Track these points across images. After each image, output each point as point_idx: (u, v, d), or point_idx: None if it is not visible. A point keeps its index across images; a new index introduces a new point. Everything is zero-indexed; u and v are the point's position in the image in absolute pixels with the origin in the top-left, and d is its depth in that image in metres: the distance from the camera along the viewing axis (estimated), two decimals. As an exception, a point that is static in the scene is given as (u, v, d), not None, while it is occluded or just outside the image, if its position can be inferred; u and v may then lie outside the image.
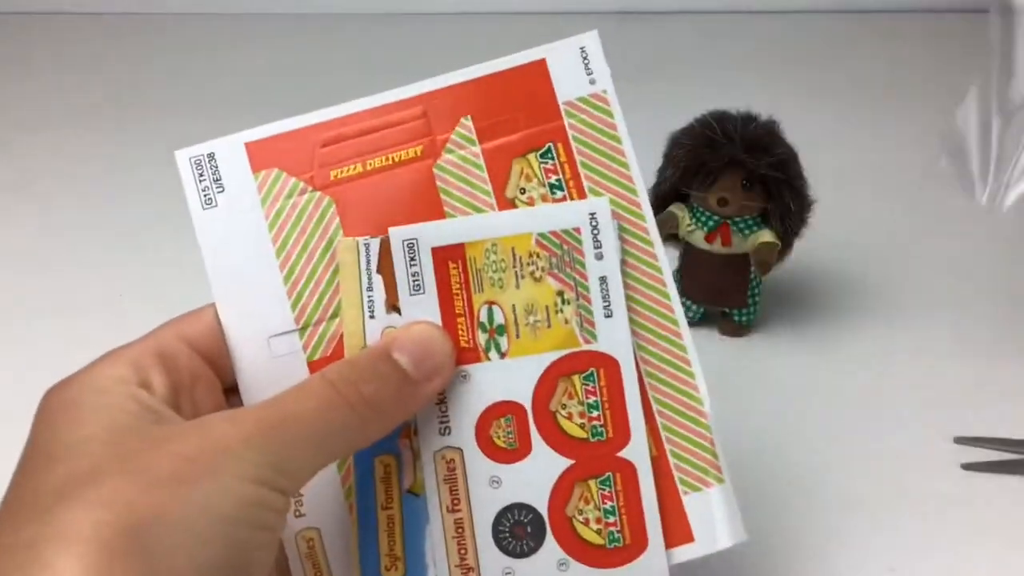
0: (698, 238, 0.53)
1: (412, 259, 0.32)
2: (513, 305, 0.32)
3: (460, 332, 0.32)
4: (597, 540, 0.31)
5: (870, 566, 0.40)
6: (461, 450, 0.32)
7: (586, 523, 0.31)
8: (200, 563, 0.25)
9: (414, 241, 0.32)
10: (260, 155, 0.33)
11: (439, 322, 0.32)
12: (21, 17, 1.11)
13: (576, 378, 0.32)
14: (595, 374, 0.32)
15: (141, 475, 0.25)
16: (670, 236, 0.54)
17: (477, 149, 0.33)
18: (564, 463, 0.31)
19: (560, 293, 0.32)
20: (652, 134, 0.54)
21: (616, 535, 0.31)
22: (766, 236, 0.51)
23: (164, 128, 0.84)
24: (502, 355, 0.32)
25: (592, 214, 0.32)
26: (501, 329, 0.32)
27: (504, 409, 0.32)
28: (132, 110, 0.88)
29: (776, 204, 0.51)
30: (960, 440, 0.46)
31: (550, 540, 0.31)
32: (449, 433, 0.32)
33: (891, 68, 0.94)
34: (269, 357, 0.32)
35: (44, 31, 1.09)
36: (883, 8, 1.06)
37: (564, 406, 0.31)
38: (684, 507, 0.32)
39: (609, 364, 0.32)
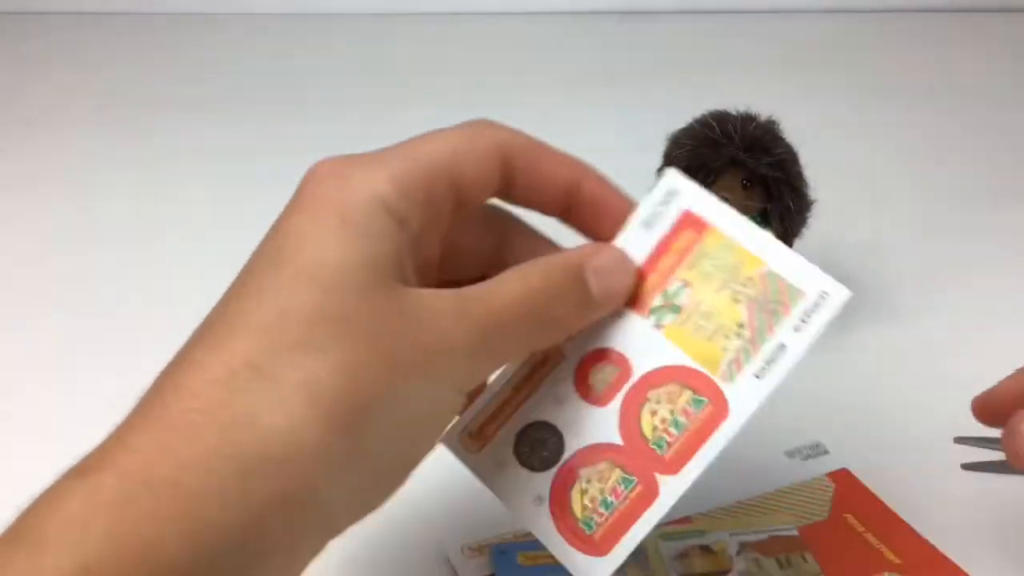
0: (698, 238, 0.52)
1: (666, 201, 0.33)
2: (701, 300, 0.32)
3: (648, 284, 0.32)
4: (577, 513, 0.31)
5: (870, 566, 0.40)
6: (563, 357, 0.33)
7: (583, 494, 0.31)
8: (391, 453, 0.27)
9: (679, 192, 0.33)
10: None
11: (642, 260, 0.32)
12: (21, 17, 1.11)
13: (688, 393, 0.31)
14: (703, 405, 0.31)
15: (364, 351, 0.25)
16: (670, 236, 0.54)
17: None
18: (616, 439, 0.32)
19: (741, 324, 0.31)
20: (652, 134, 0.54)
21: (593, 525, 0.31)
22: (766, 236, 0.51)
23: (164, 128, 0.84)
24: (658, 326, 0.32)
25: (824, 293, 0.32)
26: (676, 308, 0.32)
27: (619, 361, 0.32)
28: (132, 110, 0.88)
29: (776, 204, 0.51)
30: (960, 440, 0.46)
31: (547, 476, 0.32)
32: (567, 340, 0.32)
33: (891, 68, 0.94)
34: None
35: (44, 31, 1.09)
36: (883, 8, 1.06)
37: (659, 402, 0.31)
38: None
39: (721, 409, 0.31)
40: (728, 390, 0.31)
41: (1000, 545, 0.41)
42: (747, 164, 0.50)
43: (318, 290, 0.26)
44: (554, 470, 0.32)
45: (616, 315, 0.32)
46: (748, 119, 0.51)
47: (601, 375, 0.32)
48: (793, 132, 0.52)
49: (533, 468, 0.32)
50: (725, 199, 0.50)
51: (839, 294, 0.31)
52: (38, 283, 0.63)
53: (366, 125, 0.84)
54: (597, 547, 0.31)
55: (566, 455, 0.32)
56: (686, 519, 0.42)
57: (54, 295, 0.61)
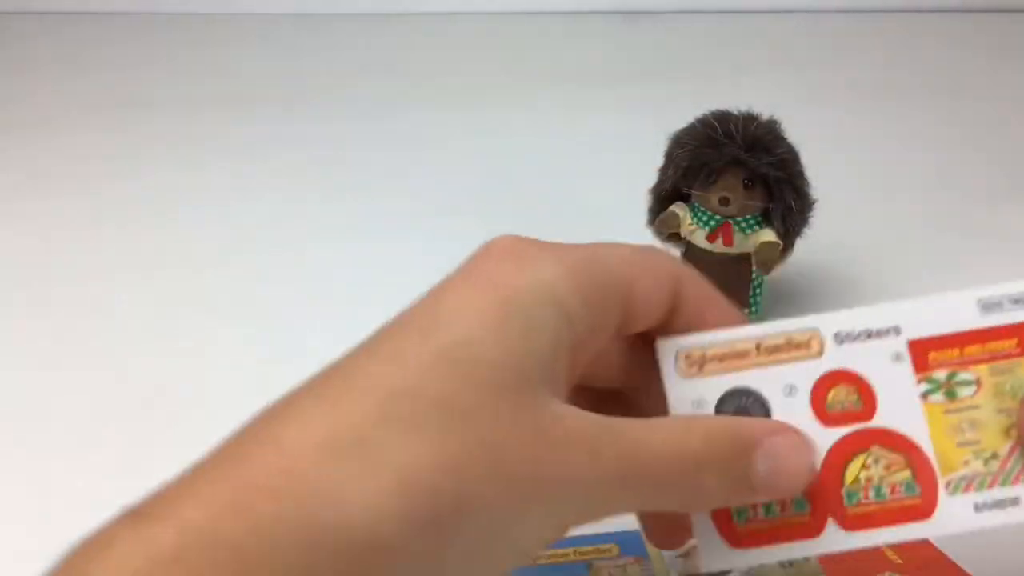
0: (699, 238, 0.53)
1: (1018, 300, 0.31)
2: (978, 407, 0.30)
3: (945, 354, 0.31)
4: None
5: (872, 566, 0.40)
6: (820, 355, 0.31)
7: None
8: (469, 570, 0.24)
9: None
10: None
11: (960, 329, 0.31)
12: (21, 17, 1.11)
13: (907, 474, 0.30)
14: (913, 493, 0.30)
15: (478, 453, 0.23)
16: (671, 236, 0.54)
17: None
18: (815, 464, 0.30)
19: (995, 455, 0.30)
20: (654, 133, 0.54)
21: (744, 519, 0.30)
22: (768, 236, 0.51)
23: (164, 128, 0.84)
24: (924, 396, 0.31)
25: None
26: (952, 395, 0.31)
27: (867, 399, 0.31)
28: (131, 110, 0.88)
29: (778, 203, 0.51)
30: (962, 440, 0.46)
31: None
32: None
33: (892, 67, 0.94)
34: None
35: (44, 31, 1.09)
36: (885, 8, 1.06)
37: (877, 461, 0.30)
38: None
39: (926, 510, 0.30)
40: (943, 499, 0.30)
41: (1002, 546, 0.41)
42: (748, 164, 0.50)
43: (456, 376, 0.24)
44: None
45: (893, 357, 0.31)
46: (750, 119, 0.51)
47: (842, 398, 0.31)
48: (794, 132, 0.52)
49: None
50: (726, 199, 0.51)
51: None
52: (38, 283, 0.63)
53: (366, 125, 0.84)
54: (736, 538, 0.30)
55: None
56: (688, 519, 0.41)
57: (54, 295, 0.61)
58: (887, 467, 0.30)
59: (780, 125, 0.52)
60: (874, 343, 0.31)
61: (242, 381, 0.51)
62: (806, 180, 0.52)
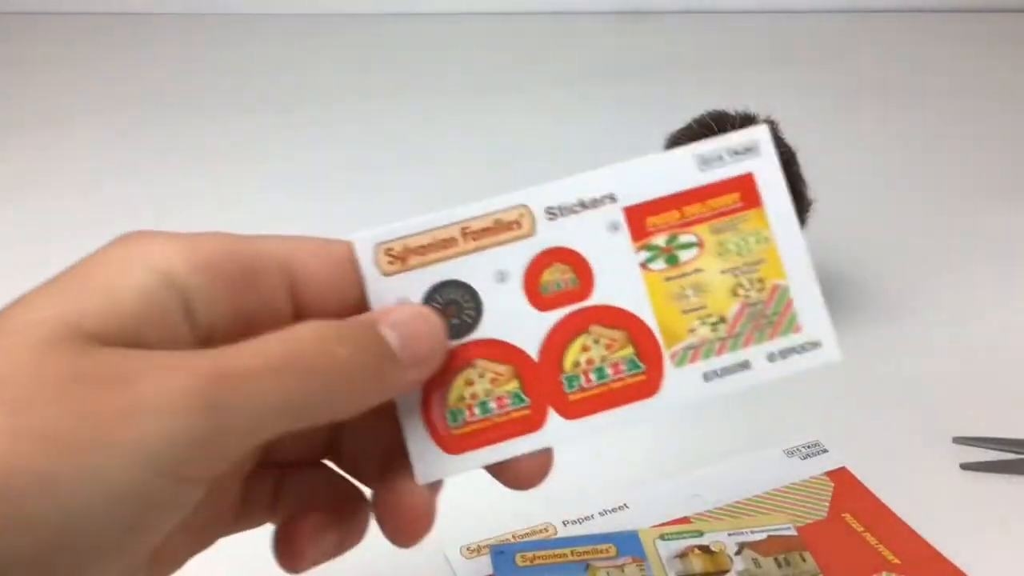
0: (697, 238, 0.53)
1: (737, 152, 0.30)
2: (702, 270, 0.29)
3: (661, 218, 0.29)
4: (451, 400, 0.28)
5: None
6: (532, 236, 0.29)
7: (468, 383, 0.29)
8: (79, 529, 0.21)
9: (758, 152, 0.30)
10: None
11: (675, 190, 0.29)
12: (21, 17, 1.11)
13: (630, 350, 0.29)
14: (637, 371, 0.29)
15: (8, 417, 0.21)
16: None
17: None
18: (533, 351, 0.29)
19: (723, 319, 0.29)
20: (651, 134, 0.54)
21: (460, 420, 0.28)
22: (765, 236, 0.51)
23: (163, 128, 0.84)
24: (643, 265, 0.29)
25: (817, 343, 0.30)
26: (673, 259, 0.29)
27: (584, 275, 0.29)
28: (132, 110, 0.88)
29: (775, 204, 0.51)
30: (959, 440, 0.46)
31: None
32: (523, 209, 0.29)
33: (890, 68, 0.94)
34: None
35: (43, 31, 1.09)
36: (882, 8, 1.06)
37: (597, 342, 0.29)
38: None
39: (651, 387, 0.29)
40: (670, 372, 0.29)
41: (999, 545, 0.41)
42: (746, 164, 0.50)
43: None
44: (456, 343, 0.29)
45: (609, 227, 0.29)
46: (747, 119, 0.51)
47: (557, 277, 0.29)
48: (791, 132, 0.52)
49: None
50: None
51: (830, 353, 0.30)
52: (38, 282, 0.63)
53: (366, 126, 0.84)
54: (449, 443, 0.28)
55: (474, 336, 0.29)
56: (684, 519, 0.42)
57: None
58: (608, 346, 0.29)
59: (777, 125, 0.52)
60: (588, 214, 0.29)
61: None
62: (803, 181, 0.52)
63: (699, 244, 0.29)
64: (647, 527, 0.41)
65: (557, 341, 0.29)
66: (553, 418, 0.29)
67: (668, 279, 0.29)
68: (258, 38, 1.06)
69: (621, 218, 0.29)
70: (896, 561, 0.40)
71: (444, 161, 0.77)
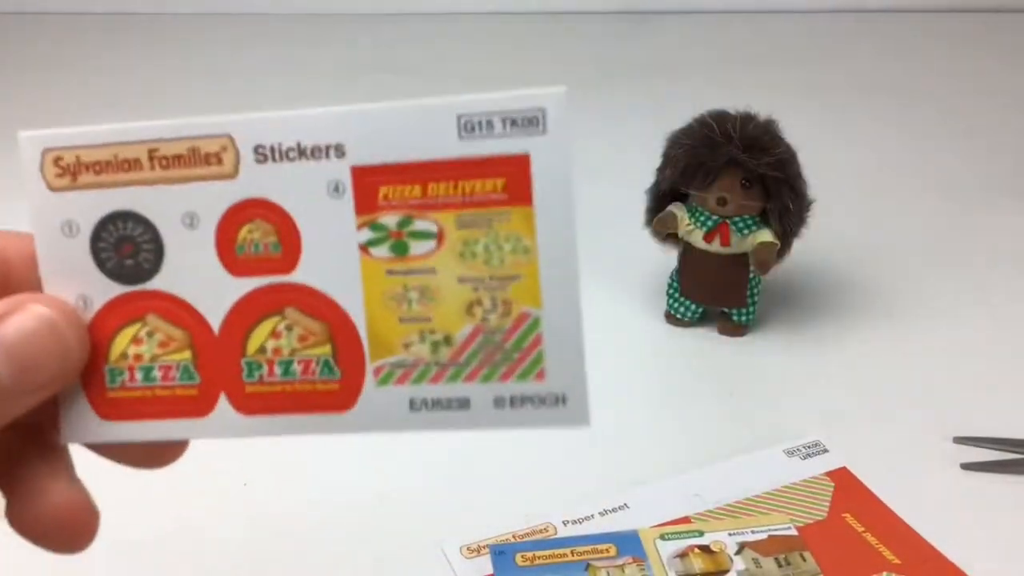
0: (697, 238, 0.52)
1: (521, 118, 0.22)
2: (436, 270, 0.23)
3: (393, 192, 0.23)
4: (112, 357, 0.24)
5: (869, 566, 0.40)
6: (235, 178, 0.24)
7: (133, 340, 0.24)
8: None
9: (547, 120, 0.22)
10: None
11: (413, 159, 0.23)
12: (20, 17, 1.11)
13: (327, 350, 0.24)
14: (331, 378, 0.24)
15: None
16: (669, 236, 0.54)
17: None
18: (215, 322, 0.24)
19: (448, 339, 0.23)
20: (651, 133, 0.54)
21: (118, 381, 0.24)
22: (765, 236, 0.51)
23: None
24: (363, 247, 0.23)
25: (563, 398, 0.23)
26: (402, 248, 0.23)
27: (290, 243, 0.23)
28: (131, 109, 0.88)
29: (775, 204, 0.51)
30: (960, 440, 0.46)
31: (111, 287, 0.24)
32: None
33: (891, 67, 0.94)
34: None
35: (43, 30, 1.09)
36: (882, 8, 1.06)
37: (290, 329, 0.24)
38: None
39: (343, 401, 0.24)
40: (369, 389, 0.24)
41: (1000, 545, 0.41)
42: (746, 164, 0.50)
43: None
44: (124, 288, 0.24)
45: (330, 187, 0.23)
46: (747, 119, 0.51)
47: (257, 238, 0.24)
48: (792, 131, 0.52)
49: (103, 267, 0.24)
50: (723, 199, 0.51)
51: (575, 414, 0.23)
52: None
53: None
54: (105, 406, 0.24)
55: (151, 285, 0.24)
56: (684, 519, 0.42)
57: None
58: (302, 337, 0.24)
59: (778, 125, 0.52)
60: (307, 165, 0.23)
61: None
62: (804, 180, 0.52)
63: (438, 236, 0.23)
64: (647, 527, 0.41)
65: (244, 316, 0.24)
66: (223, 407, 0.24)
67: (391, 272, 0.23)
68: (259, 38, 1.06)
69: (347, 179, 0.23)
70: (896, 561, 0.39)
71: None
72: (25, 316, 0.22)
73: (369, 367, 0.24)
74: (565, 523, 0.42)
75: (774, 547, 0.40)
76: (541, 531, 0.41)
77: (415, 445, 0.47)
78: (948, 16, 1.05)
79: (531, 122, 0.22)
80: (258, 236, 0.24)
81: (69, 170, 0.24)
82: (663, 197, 0.54)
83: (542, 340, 0.23)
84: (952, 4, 1.05)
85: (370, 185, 0.23)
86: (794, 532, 0.40)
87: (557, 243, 0.22)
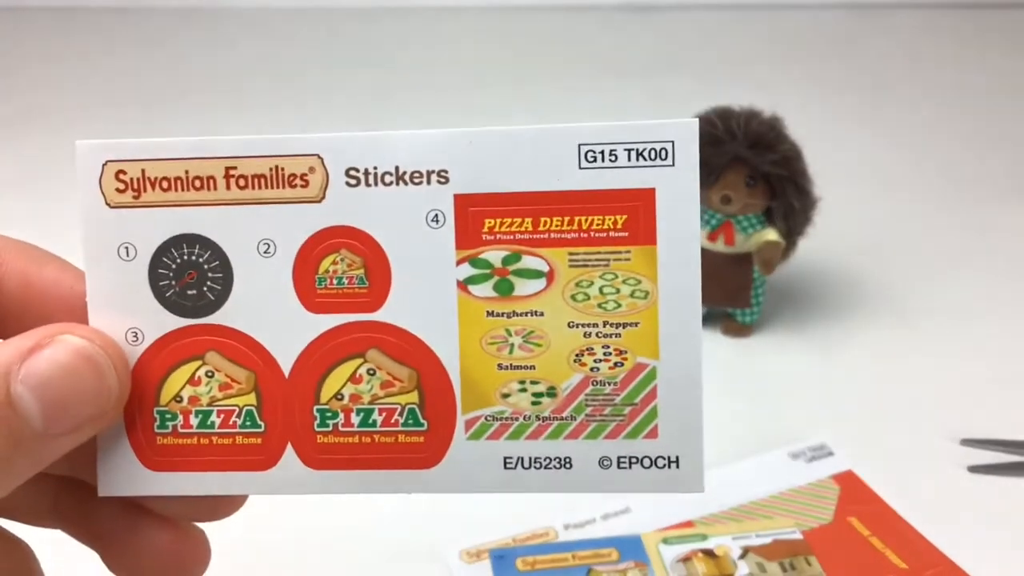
0: (701, 237, 0.52)
1: (650, 156, 0.21)
2: (542, 311, 0.21)
3: (501, 224, 0.21)
4: (163, 398, 0.22)
5: (876, 571, 0.40)
6: (322, 201, 0.21)
7: (192, 381, 0.22)
8: None
9: (679, 162, 0.21)
10: None
11: (521, 190, 0.21)
12: (16, 13, 1.11)
13: (414, 397, 0.22)
14: (416, 430, 0.22)
15: None
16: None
17: None
18: (287, 364, 0.22)
19: (553, 389, 0.21)
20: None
21: (169, 426, 0.22)
22: (770, 235, 0.51)
23: (162, 125, 0.84)
24: (461, 284, 0.21)
25: (673, 460, 0.22)
26: (506, 288, 0.21)
27: (379, 279, 0.21)
28: (130, 108, 0.88)
29: (780, 202, 0.50)
30: (967, 442, 0.45)
31: (172, 320, 0.22)
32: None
33: (896, 64, 0.94)
34: None
35: (42, 28, 1.09)
36: (888, 4, 1.06)
37: (373, 374, 0.22)
38: None
39: (431, 455, 0.22)
40: (459, 444, 0.21)
41: (1008, 549, 0.40)
42: (751, 162, 0.49)
43: None
44: (183, 322, 0.22)
45: (430, 216, 0.21)
46: (752, 115, 0.51)
47: (341, 270, 0.21)
48: (797, 129, 0.52)
49: (162, 298, 0.22)
50: (728, 198, 0.50)
51: (688, 480, 0.22)
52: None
53: (367, 121, 0.83)
54: (152, 454, 0.22)
55: (214, 318, 0.22)
56: (688, 522, 0.41)
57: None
58: (385, 384, 0.21)
59: (782, 122, 0.51)
60: (405, 191, 0.21)
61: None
62: (809, 178, 0.51)
63: (548, 275, 0.21)
64: (650, 531, 0.40)
65: (321, 358, 0.22)
66: (290, 459, 0.22)
67: (492, 314, 0.21)
68: (258, 32, 1.06)
69: (449, 207, 0.21)
70: (903, 566, 0.39)
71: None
72: (58, 349, 0.20)
73: (460, 419, 0.21)
74: (566, 527, 0.41)
75: (779, 551, 0.39)
76: (542, 535, 0.41)
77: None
78: (957, 11, 1.04)
79: (659, 154, 0.21)
80: (343, 268, 0.21)
81: (132, 185, 0.22)
82: (666, 195, 0.53)
83: (658, 394, 0.21)
84: (962, 0, 1.05)
85: (474, 216, 0.21)
86: (799, 536, 0.40)
87: (681, 287, 0.21)
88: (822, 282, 0.59)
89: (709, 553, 0.39)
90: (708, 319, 0.55)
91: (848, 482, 0.43)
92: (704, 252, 0.53)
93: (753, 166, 0.50)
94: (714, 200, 0.51)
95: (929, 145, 0.77)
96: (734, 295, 0.53)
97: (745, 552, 0.39)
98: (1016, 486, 0.43)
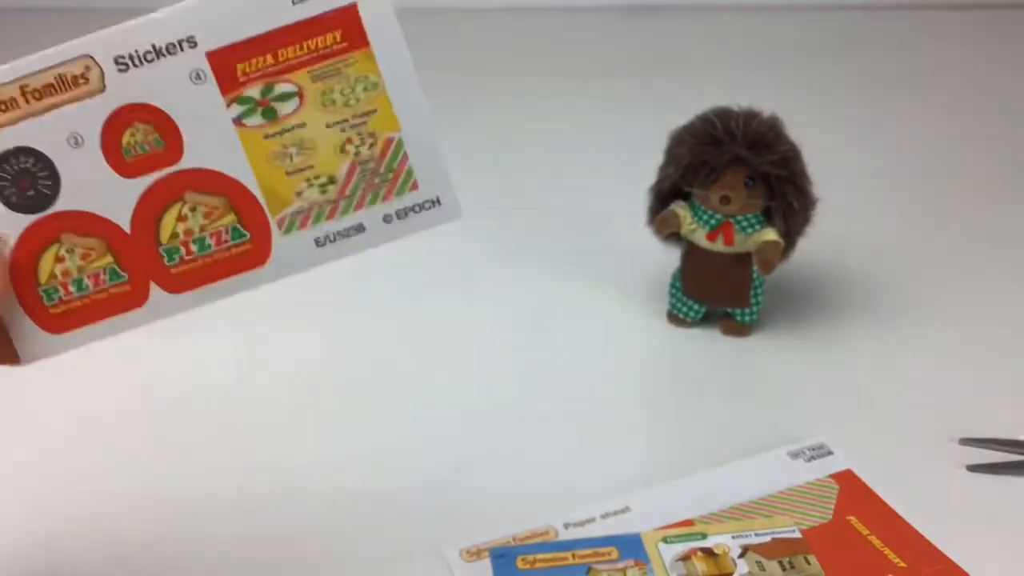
0: (700, 237, 0.52)
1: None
2: (305, 124, 0.26)
3: (252, 64, 0.26)
4: (42, 278, 0.27)
5: (874, 569, 0.40)
6: (102, 92, 0.26)
7: (57, 260, 0.27)
8: None
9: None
10: None
11: (261, 30, 0.26)
12: (18, 13, 1.11)
13: (231, 218, 0.27)
14: (243, 241, 0.27)
15: None
16: (671, 235, 0.54)
17: None
18: (124, 223, 0.27)
19: (333, 180, 0.27)
20: (654, 130, 0.54)
21: (55, 298, 0.27)
22: (769, 235, 0.51)
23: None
24: (238, 121, 0.26)
25: (437, 200, 0.28)
26: (271, 114, 0.26)
27: (170, 136, 0.26)
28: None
29: (779, 202, 0.50)
30: (965, 441, 0.46)
31: (21, 220, 0.27)
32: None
33: (896, 65, 0.94)
34: None
35: (42, 29, 1.08)
36: (889, 5, 1.06)
37: (194, 210, 0.27)
38: None
39: (259, 256, 0.27)
40: (278, 240, 0.27)
41: (1005, 548, 0.40)
42: (750, 162, 0.50)
43: None
44: (33, 217, 0.27)
45: (193, 76, 0.26)
46: (751, 116, 0.51)
47: (139, 139, 0.26)
48: (796, 129, 0.52)
49: (9, 203, 0.27)
50: (727, 198, 0.50)
51: (449, 211, 0.28)
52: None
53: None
54: (50, 322, 0.27)
55: (56, 208, 0.27)
56: (687, 521, 0.41)
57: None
58: (207, 215, 0.27)
59: (781, 122, 0.51)
60: (166, 63, 0.26)
61: (244, 385, 0.51)
62: (808, 178, 0.51)
63: (299, 94, 0.26)
64: (650, 530, 0.41)
65: (149, 210, 0.27)
66: (156, 293, 0.27)
67: (268, 136, 0.27)
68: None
69: (205, 65, 0.26)
70: (902, 564, 0.39)
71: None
72: None
73: (272, 222, 0.27)
74: (566, 526, 0.41)
75: (778, 550, 0.39)
76: (542, 534, 0.41)
77: (415, 446, 0.46)
78: (957, 12, 1.04)
79: None
80: (140, 138, 0.26)
81: None
82: (665, 196, 0.53)
83: (408, 157, 0.27)
84: (962, 1, 1.05)
85: (227, 65, 0.26)
86: (798, 535, 0.40)
87: (398, 72, 0.26)
88: (821, 282, 0.59)
89: (708, 552, 0.39)
90: (708, 319, 0.55)
91: (847, 481, 0.44)
92: (704, 252, 0.53)
93: (752, 166, 0.50)
94: (713, 200, 0.51)
95: (929, 146, 0.77)
96: (733, 295, 0.53)
97: (744, 551, 0.39)
98: (1014, 485, 0.44)
